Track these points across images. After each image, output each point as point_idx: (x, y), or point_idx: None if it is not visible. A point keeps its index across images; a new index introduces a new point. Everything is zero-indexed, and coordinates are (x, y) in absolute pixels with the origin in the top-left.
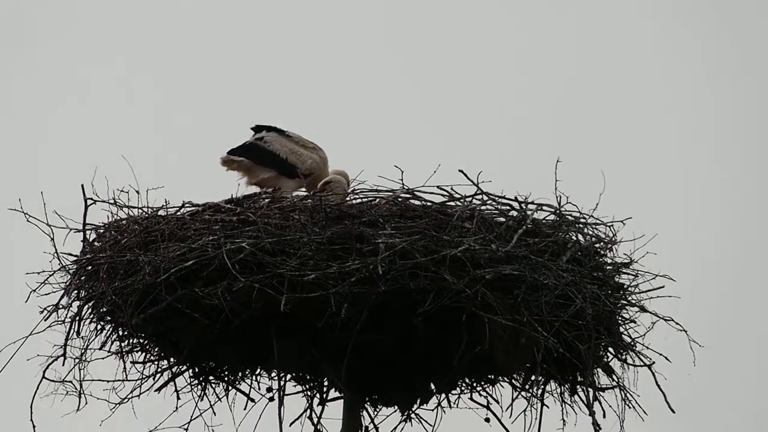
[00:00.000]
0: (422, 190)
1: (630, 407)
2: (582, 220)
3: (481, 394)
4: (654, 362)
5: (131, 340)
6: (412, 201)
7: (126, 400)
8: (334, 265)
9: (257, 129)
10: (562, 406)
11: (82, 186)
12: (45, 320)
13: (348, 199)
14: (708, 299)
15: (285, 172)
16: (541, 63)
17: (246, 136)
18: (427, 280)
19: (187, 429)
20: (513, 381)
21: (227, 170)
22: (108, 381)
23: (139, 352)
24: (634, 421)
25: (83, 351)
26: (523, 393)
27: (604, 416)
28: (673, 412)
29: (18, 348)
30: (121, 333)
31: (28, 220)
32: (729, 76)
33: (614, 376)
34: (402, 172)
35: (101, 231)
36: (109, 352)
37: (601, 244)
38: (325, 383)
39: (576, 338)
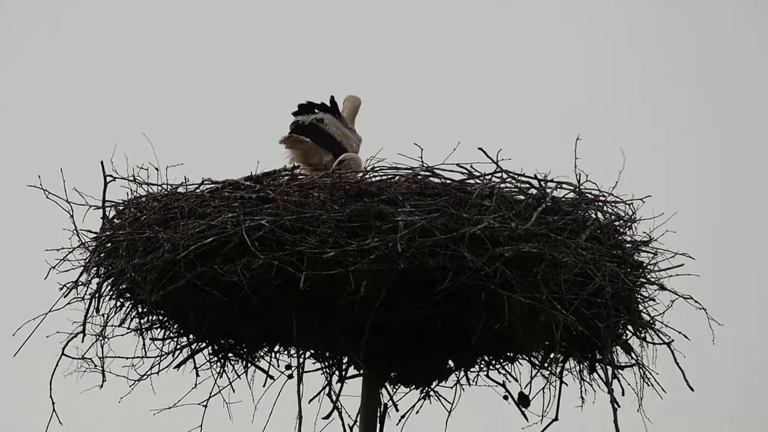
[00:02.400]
0: (442, 168)
1: (649, 385)
2: (601, 198)
3: (500, 372)
4: (673, 340)
5: (150, 317)
6: (431, 179)
7: (145, 376)
8: (354, 243)
9: (306, 107)
10: (580, 383)
11: (102, 163)
12: (64, 297)
13: (367, 176)
14: (727, 278)
15: (337, 157)
16: (560, 41)
17: (272, 113)
18: (446, 257)
19: (206, 406)
20: (532, 359)
21: (286, 148)
22: (127, 358)
23: (159, 329)
24: (652, 399)
25: (103, 328)
26: (541, 371)
27: (623, 394)
28: (691, 390)
29: (37, 325)
30: (140, 310)
31: (47, 197)
32: (753, 51)
33: (633, 354)
34: (421, 149)
35: (121, 208)
36: (128, 329)
37: (621, 222)
38: (344, 361)
39: (595, 316)
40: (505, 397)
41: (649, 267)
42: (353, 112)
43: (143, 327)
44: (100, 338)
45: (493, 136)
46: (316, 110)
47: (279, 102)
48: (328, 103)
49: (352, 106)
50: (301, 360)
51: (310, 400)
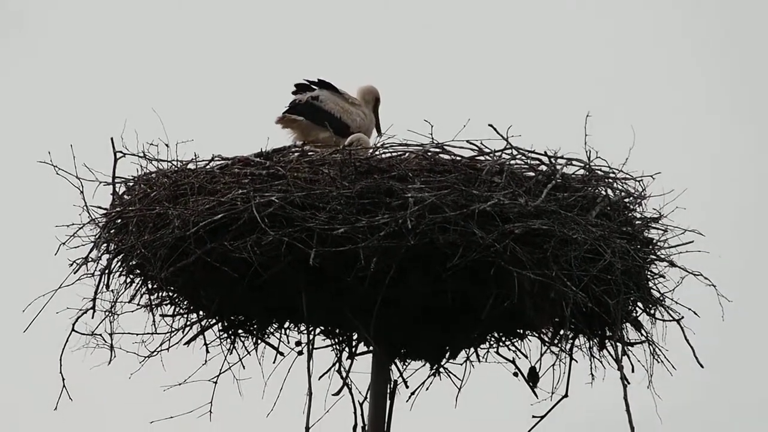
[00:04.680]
0: (452, 145)
1: (658, 362)
2: (611, 175)
3: (510, 349)
4: (683, 317)
5: (160, 294)
6: (441, 155)
7: (155, 353)
8: (364, 219)
9: (303, 87)
10: (590, 360)
11: (112, 139)
12: (74, 273)
13: (377, 153)
14: (737, 254)
15: (338, 132)
16: (571, 17)
17: (282, 89)
18: (456, 234)
19: (216, 382)
20: (542, 335)
21: (282, 127)
22: (137, 334)
23: (169, 306)
24: (662, 375)
25: (112, 304)
26: (551, 347)
27: (633, 371)
28: (701, 366)
29: (47, 301)
30: (150, 286)
31: (57, 173)
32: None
33: (643, 331)
34: (431, 126)
35: (131, 184)
36: (138, 305)
37: (631, 198)
38: (354, 337)
39: (605, 293)
40: (515, 374)
41: (659, 244)
42: (363, 93)
43: (153, 303)
44: (110, 314)
45: (503, 112)
46: (314, 87)
47: (289, 79)
48: (316, 87)
49: (362, 92)
50: (311, 336)
51: (320, 377)
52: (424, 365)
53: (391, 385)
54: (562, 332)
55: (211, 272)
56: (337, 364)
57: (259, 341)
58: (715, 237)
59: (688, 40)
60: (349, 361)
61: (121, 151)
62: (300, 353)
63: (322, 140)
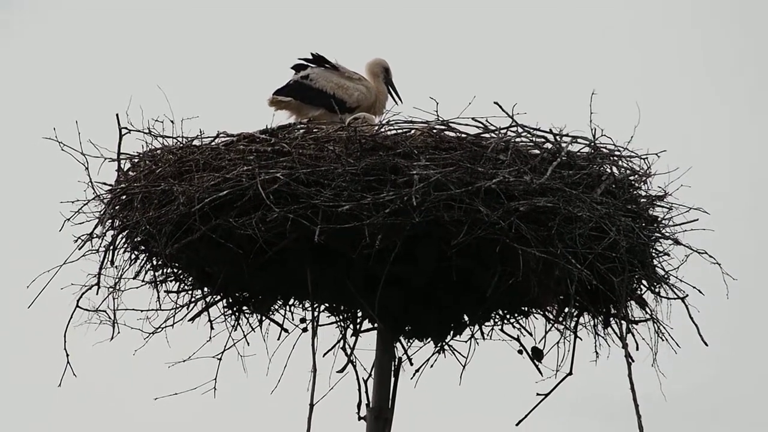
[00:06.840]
0: (457, 122)
1: (663, 340)
2: (617, 153)
3: (514, 326)
4: (687, 295)
5: (165, 270)
6: (446, 132)
7: (159, 329)
8: (369, 196)
9: (299, 67)
10: (595, 338)
11: (117, 115)
12: (79, 249)
13: (382, 130)
14: (742, 232)
15: (333, 108)
16: None
17: (285, 67)
18: (461, 211)
19: (220, 359)
20: (546, 313)
21: (276, 110)
22: (142, 310)
23: (173, 282)
24: (666, 353)
25: (117, 280)
26: (556, 325)
27: (637, 349)
28: (706, 344)
29: (52, 277)
30: (155, 262)
31: (62, 149)
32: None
33: (647, 309)
34: (437, 103)
35: (136, 160)
36: (143, 281)
37: (636, 176)
38: (359, 314)
39: (609, 271)
40: (520, 352)
41: (663, 222)
42: (370, 67)
43: (158, 280)
44: (114, 291)
45: (508, 90)
46: (311, 66)
47: (296, 55)
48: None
49: (369, 65)
50: (316, 313)
51: (325, 354)
52: (428, 342)
53: (396, 363)
54: (566, 310)
55: (216, 249)
56: (342, 341)
57: (264, 318)
58: (720, 215)
59: (694, 17)
60: (354, 338)
61: (126, 128)
62: (305, 330)
63: (318, 118)
